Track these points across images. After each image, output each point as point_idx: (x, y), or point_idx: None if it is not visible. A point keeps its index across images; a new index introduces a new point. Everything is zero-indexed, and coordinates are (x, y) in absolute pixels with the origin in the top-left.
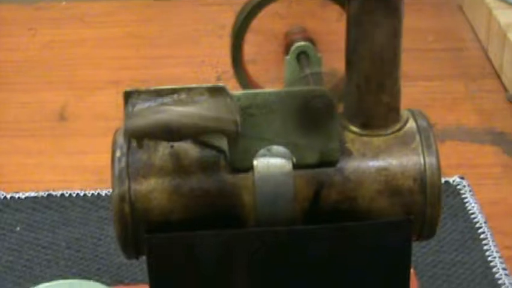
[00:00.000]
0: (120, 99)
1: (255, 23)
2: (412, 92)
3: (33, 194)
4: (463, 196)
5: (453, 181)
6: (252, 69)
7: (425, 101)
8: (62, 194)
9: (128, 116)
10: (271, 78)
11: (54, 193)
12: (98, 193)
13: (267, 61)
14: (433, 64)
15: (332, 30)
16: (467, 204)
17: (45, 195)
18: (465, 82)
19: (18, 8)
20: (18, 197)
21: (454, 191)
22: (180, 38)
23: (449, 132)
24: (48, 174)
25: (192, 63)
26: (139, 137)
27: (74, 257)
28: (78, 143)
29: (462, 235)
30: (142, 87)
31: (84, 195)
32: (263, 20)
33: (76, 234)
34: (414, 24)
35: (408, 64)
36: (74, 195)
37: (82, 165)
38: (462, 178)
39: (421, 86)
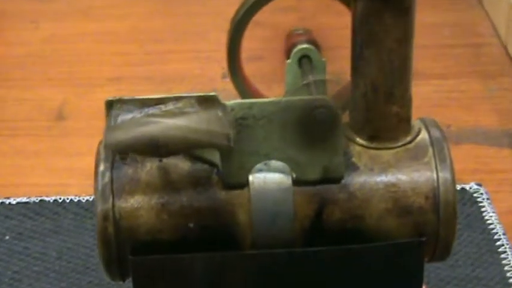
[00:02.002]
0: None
1: (260, 16)
2: (426, 92)
3: (24, 199)
4: (480, 205)
5: (469, 188)
6: (257, 67)
7: (439, 101)
8: (55, 200)
9: (109, 128)
10: (278, 78)
11: (47, 199)
12: (93, 199)
13: (273, 58)
14: (449, 61)
15: (338, 32)
16: (484, 214)
17: (37, 201)
18: (483, 80)
19: (22, 0)
20: (9, 203)
21: (470, 199)
22: (186, 33)
23: (466, 134)
24: (43, 177)
25: (197, 59)
26: (121, 151)
27: (64, 268)
28: (76, 143)
29: (479, 248)
30: (126, 96)
31: (79, 201)
32: (270, 13)
33: (68, 244)
34: (428, 19)
35: (422, 61)
36: (68, 201)
37: (79, 168)
38: (479, 185)
39: (435, 84)
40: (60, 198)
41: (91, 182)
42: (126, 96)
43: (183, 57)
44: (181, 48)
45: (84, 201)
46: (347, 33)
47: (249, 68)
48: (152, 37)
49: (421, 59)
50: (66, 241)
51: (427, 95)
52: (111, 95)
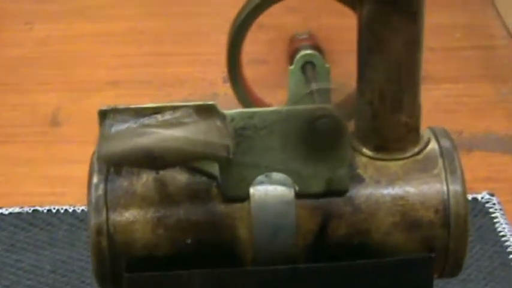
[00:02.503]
0: (120, 102)
1: (263, 18)
2: (435, 96)
3: (17, 209)
4: (493, 215)
5: (481, 198)
6: (259, 71)
7: (450, 106)
8: (49, 210)
9: (102, 139)
10: (282, 83)
11: (40, 209)
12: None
13: (277, 62)
14: (460, 64)
15: (343, 34)
16: (497, 225)
17: (30, 211)
18: (495, 84)
19: (17, 1)
20: (1, 213)
21: (482, 210)
22: (186, 34)
23: (477, 141)
24: (36, 185)
25: (198, 61)
26: (115, 164)
27: (58, 282)
28: (72, 150)
29: (491, 261)
30: (121, 106)
31: (74, 211)
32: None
33: (62, 257)
34: (439, 20)
35: (432, 64)
36: (62, 211)
37: (74, 176)
38: (492, 195)
39: (445, 88)
40: (54, 208)
41: (86, 191)
42: (121, 104)
43: (183, 60)
44: (181, 50)
45: (79, 211)
46: (353, 35)
47: (251, 72)
48: (151, 39)
49: (430, 62)
50: (60, 253)
51: (437, 100)
52: (108, 99)
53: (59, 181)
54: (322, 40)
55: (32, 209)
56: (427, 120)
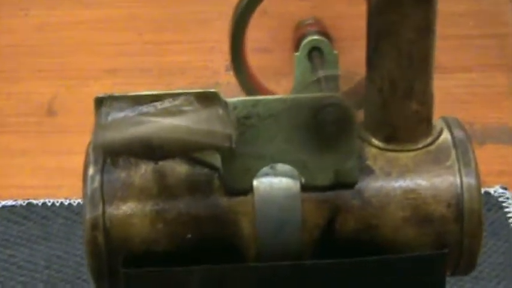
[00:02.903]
0: (118, 91)
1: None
2: (447, 86)
3: (10, 202)
4: (506, 210)
5: (494, 192)
6: (264, 60)
7: (462, 96)
8: (44, 203)
9: (98, 127)
10: (287, 71)
11: (35, 202)
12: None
13: (282, 50)
14: (473, 53)
15: (352, 21)
16: (510, 220)
17: (24, 204)
18: (510, 74)
19: None
20: None
21: (495, 204)
22: (187, 21)
23: (490, 133)
24: (31, 177)
25: (200, 49)
26: (112, 154)
27: (53, 278)
28: (67, 141)
29: (504, 257)
30: (117, 93)
31: (70, 204)
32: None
33: (57, 251)
34: (451, 7)
35: (443, 53)
36: (58, 204)
37: (70, 168)
38: (505, 188)
39: (458, 78)
40: (49, 202)
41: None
42: (118, 92)
43: (184, 48)
44: (182, 38)
45: (75, 204)
46: (362, 22)
47: (255, 61)
48: (151, 25)
49: (442, 50)
50: (55, 248)
51: (448, 90)
52: (106, 88)
53: (55, 173)
54: (330, 28)
55: (26, 202)
56: (438, 111)
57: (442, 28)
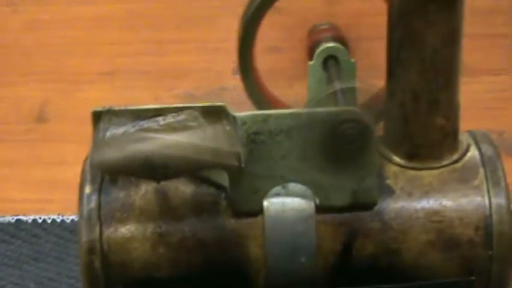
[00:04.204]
0: (116, 95)
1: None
2: (475, 91)
3: None
4: None
5: None
6: (276, 61)
7: (491, 102)
8: (34, 220)
9: (97, 144)
10: (300, 73)
11: (24, 218)
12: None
13: (295, 51)
14: (503, 54)
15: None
16: None
17: (12, 221)
18: None
19: None
20: None
21: None
22: (191, 18)
23: None
24: (20, 191)
25: (204, 49)
26: (110, 173)
27: None
28: (60, 151)
29: None
30: (117, 107)
31: (62, 221)
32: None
33: (49, 273)
34: (479, 4)
35: (470, 54)
36: (49, 220)
37: (63, 180)
38: None
39: (486, 82)
40: (40, 218)
41: (77, 197)
42: (117, 106)
43: (187, 48)
44: (185, 36)
45: (68, 221)
46: (382, 20)
47: (266, 62)
48: (151, 23)
49: (469, 51)
50: (46, 270)
51: (477, 95)
52: (102, 92)
53: (46, 186)
54: (346, 27)
55: (15, 218)
56: (464, 118)
57: (468, 26)
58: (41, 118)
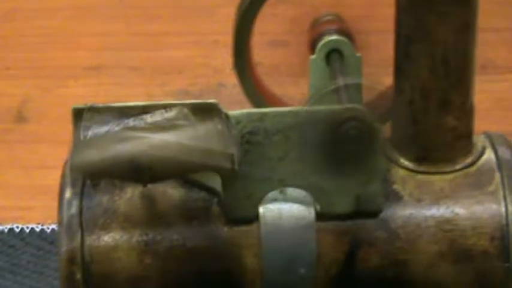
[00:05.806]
0: (103, 92)
1: None
2: (499, 90)
3: None
4: None
5: None
6: (280, 55)
7: None
8: (11, 229)
9: (77, 145)
10: (306, 69)
11: (0, 227)
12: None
13: (300, 44)
14: None
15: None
16: None
17: None
18: None
19: None
20: None
21: None
22: (187, 9)
23: None
24: None
25: (201, 43)
26: (92, 176)
27: None
28: (40, 153)
29: None
30: (100, 104)
31: (42, 231)
32: None
33: (27, 287)
34: None
35: (495, 50)
36: (28, 230)
37: (43, 185)
38: None
39: (511, 80)
40: (17, 227)
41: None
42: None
43: (183, 41)
44: (180, 29)
45: (49, 231)
46: (390, 11)
47: (268, 57)
48: (143, 14)
49: (492, 46)
50: (24, 284)
51: (500, 95)
52: (88, 89)
53: (25, 191)
54: (357, 18)
55: None
56: (488, 119)
57: (491, 19)
58: (19, 118)
